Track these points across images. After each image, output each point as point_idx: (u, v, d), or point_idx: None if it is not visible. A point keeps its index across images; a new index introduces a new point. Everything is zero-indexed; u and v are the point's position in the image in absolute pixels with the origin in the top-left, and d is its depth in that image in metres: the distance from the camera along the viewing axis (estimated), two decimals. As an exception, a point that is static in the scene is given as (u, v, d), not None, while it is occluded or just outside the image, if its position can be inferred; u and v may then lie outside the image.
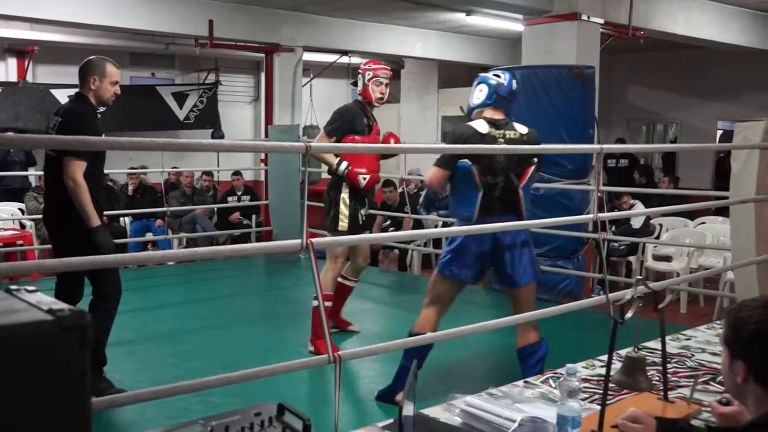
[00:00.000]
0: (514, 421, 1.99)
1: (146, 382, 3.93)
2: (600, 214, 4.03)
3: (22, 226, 8.56)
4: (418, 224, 8.48)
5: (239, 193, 9.87)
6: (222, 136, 11.60)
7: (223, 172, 11.02)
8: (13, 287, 1.60)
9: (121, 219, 8.90)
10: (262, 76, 11.78)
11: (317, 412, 3.32)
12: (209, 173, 10.05)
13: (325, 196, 5.05)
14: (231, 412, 1.81)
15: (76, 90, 4.05)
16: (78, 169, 3.75)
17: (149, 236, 9.12)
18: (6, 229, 8.17)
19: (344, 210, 4.92)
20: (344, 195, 4.92)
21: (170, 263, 7.97)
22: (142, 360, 4.76)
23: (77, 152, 3.75)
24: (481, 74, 4.11)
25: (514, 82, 3.99)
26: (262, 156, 10.72)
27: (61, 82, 10.57)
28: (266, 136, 10.19)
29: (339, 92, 14.09)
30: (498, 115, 3.92)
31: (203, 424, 1.75)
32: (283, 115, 10.64)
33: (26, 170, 9.92)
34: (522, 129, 3.94)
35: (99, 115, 4.11)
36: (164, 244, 8.98)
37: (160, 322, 5.74)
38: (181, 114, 11.61)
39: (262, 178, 10.61)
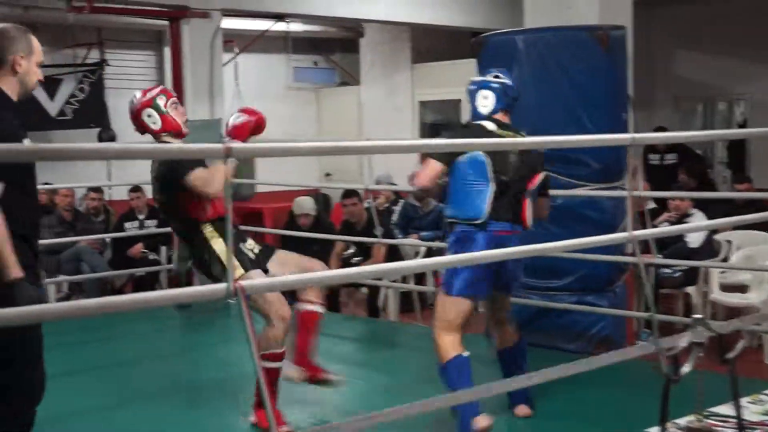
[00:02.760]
0: None
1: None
2: (639, 231, 4.07)
3: None
4: (392, 251, 8.48)
5: (141, 217, 9.82)
6: (113, 138, 11.52)
7: (116, 189, 10.94)
8: None
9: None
10: (167, 51, 11.76)
11: None
12: (97, 190, 9.99)
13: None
14: None
15: None
16: None
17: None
18: None
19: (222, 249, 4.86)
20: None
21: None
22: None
23: None
24: (474, 80, 5.10)
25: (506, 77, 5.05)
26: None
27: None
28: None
29: (276, 73, 14.12)
30: (505, 119, 4.93)
31: None
32: (198, 105, 10.63)
33: None
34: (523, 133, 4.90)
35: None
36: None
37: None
38: (52, 108, 11.49)
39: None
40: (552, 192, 6.57)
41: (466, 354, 4.70)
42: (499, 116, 4.89)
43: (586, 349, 6.44)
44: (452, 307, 4.72)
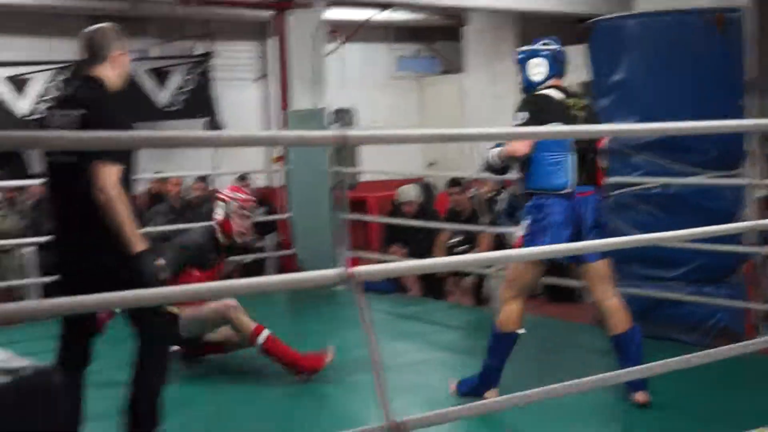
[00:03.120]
0: None
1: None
2: (762, 221, 3.97)
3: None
4: (498, 240, 8.42)
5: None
6: (219, 127, 11.70)
7: (223, 177, 11.12)
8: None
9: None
10: (271, 43, 11.88)
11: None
12: (204, 179, 10.15)
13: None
14: None
15: (85, 73, 4.25)
16: (114, 176, 3.86)
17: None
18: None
19: None
20: None
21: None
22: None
23: (112, 154, 3.84)
24: (522, 49, 5.18)
25: (554, 44, 5.13)
26: (277, 153, 10.80)
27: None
28: (285, 125, 10.25)
29: (380, 62, 14.15)
30: (560, 84, 5.05)
31: None
32: (301, 95, 10.70)
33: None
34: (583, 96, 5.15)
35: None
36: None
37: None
38: (161, 98, 11.71)
39: (278, 183, 10.66)
40: (666, 180, 6.46)
41: (520, 331, 5.01)
42: (552, 83, 5.00)
43: (704, 341, 6.24)
44: (525, 272, 4.99)
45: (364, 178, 11.45)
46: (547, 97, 4.94)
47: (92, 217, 3.90)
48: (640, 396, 4.91)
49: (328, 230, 8.56)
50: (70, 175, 3.99)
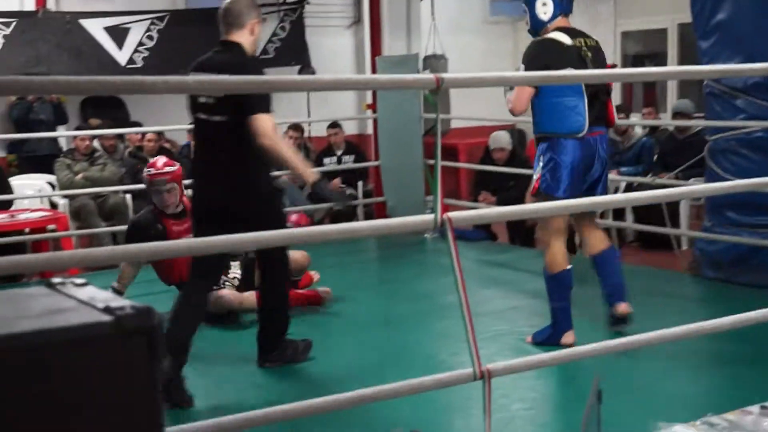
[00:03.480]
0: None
1: (229, 408, 4.03)
2: None
3: (53, 206, 8.98)
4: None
5: (339, 153, 10.02)
6: (313, 74, 11.74)
7: (315, 125, 11.18)
8: (56, 280, 1.68)
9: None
10: (365, -12, 11.84)
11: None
12: (297, 127, 10.23)
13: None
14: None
15: (224, 38, 4.75)
16: (271, 122, 4.50)
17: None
18: (33, 210, 8.54)
19: None
20: None
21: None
22: (220, 378, 4.94)
23: (264, 106, 4.46)
24: None
25: None
26: (368, 101, 10.80)
27: (92, 9, 10.93)
28: (373, 71, 10.23)
29: (471, 7, 13.98)
30: (568, 24, 5.18)
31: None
32: (395, 42, 10.67)
33: (54, 130, 10.27)
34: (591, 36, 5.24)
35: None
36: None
37: (241, 328, 5.89)
38: (257, 47, 11.81)
39: (370, 131, 10.68)
40: (754, 123, 6.35)
41: (569, 267, 5.19)
42: (559, 21, 5.13)
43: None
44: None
45: (455, 124, 11.38)
46: (556, 42, 5.04)
47: (239, 164, 4.60)
48: (621, 307, 5.25)
49: (419, 178, 8.59)
50: (221, 130, 4.58)
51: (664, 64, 12.17)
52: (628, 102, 12.57)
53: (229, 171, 4.67)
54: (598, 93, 5.09)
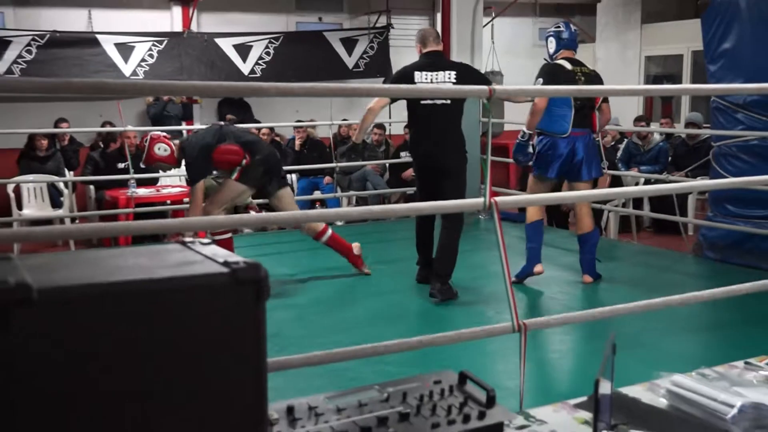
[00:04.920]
0: (732, 406, 1.91)
1: (317, 347, 4.09)
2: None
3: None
4: (615, 181, 8.23)
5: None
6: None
7: (395, 125, 11.19)
8: (187, 239, 1.73)
9: (288, 176, 9.28)
10: (438, 17, 11.78)
11: (499, 384, 3.32)
12: (381, 126, 10.24)
13: None
14: (408, 378, 1.86)
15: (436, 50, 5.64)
16: None
17: (317, 194, 9.46)
18: (173, 186, 8.82)
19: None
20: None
21: (339, 223, 8.24)
22: (311, 325, 5.00)
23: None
24: (547, 30, 6.08)
25: (571, 27, 5.96)
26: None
27: (225, 30, 11.11)
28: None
29: (524, 33, 13.84)
30: (571, 55, 5.81)
31: (379, 389, 1.82)
32: (461, 59, 10.57)
33: (181, 124, 10.49)
34: (588, 66, 5.88)
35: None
36: (333, 202, 9.29)
37: (329, 286, 5.96)
38: (350, 62, 11.85)
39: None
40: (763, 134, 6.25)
41: (541, 218, 5.93)
42: (564, 53, 5.82)
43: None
44: (537, 187, 5.88)
45: (508, 128, 11.27)
46: (558, 65, 5.73)
47: (457, 136, 5.55)
48: (585, 278, 5.82)
49: (476, 170, 8.52)
50: (446, 110, 5.42)
51: (680, 83, 12.00)
52: (649, 113, 12.37)
53: (455, 142, 5.53)
54: (584, 107, 5.66)
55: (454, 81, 5.37)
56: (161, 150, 6.07)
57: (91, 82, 3.02)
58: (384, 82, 11.70)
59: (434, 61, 5.55)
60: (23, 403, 1.27)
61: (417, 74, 5.45)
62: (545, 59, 6.02)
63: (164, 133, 6.33)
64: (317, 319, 5.11)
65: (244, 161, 5.75)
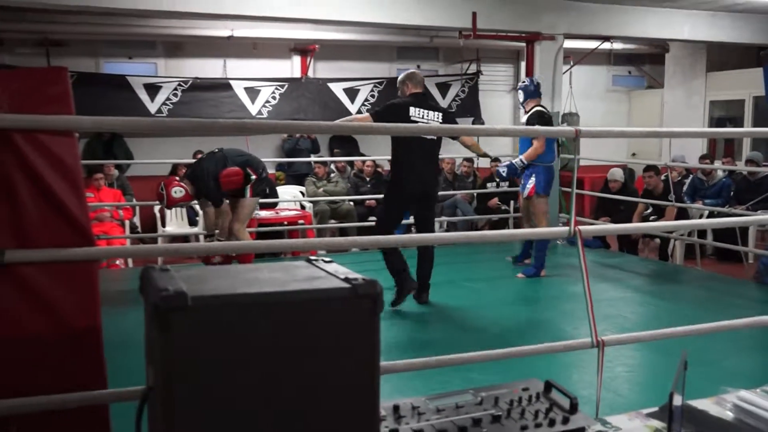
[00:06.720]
0: (796, 422, 1.83)
1: (411, 354, 4.09)
2: None
3: (303, 207, 9.34)
4: (681, 213, 7.97)
5: (498, 179, 9.93)
6: (483, 124, 11.71)
7: (482, 159, 11.13)
8: (312, 257, 1.77)
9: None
10: (522, 65, 11.70)
11: (575, 393, 3.27)
12: (470, 160, 10.23)
13: None
14: (498, 385, 1.85)
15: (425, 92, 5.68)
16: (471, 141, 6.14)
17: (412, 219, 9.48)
18: (290, 209, 9.03)
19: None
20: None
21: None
22: (406, 333, 5.01)
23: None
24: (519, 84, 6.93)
25: (534, 79, 6.88)
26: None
27: (336, 76, 11.35)
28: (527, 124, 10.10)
29: (599, 79, 13.61)
30: (539, 103, 6.63)
31: (473, 394, 1.82)
32: (543, 102, 10.44)
33: (310, 156, 10.69)
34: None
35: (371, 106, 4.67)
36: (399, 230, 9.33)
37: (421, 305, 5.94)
38: (444, 103, 11.87)
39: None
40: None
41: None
42: (531, 102, 6.66)
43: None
44: (541, 204, 6.54)
45: (582, 163, 11.08)
46: (545, 111, 6.58)
47: (437, 165, 5.82)
48: (521, 275, 6.47)
49: (555, 200, 8.40)
50: (434, 145, 5.47)
51: (741, 125, 11.59)
52: (713, 152, 11.95)
53: (437, 171, 5.76)
54: (560, 144, 6.81)
55: (440, 121, 5.42)
56: (178, 193, 6.02)
57: (232, 122, 3.14)
58: (474, 122, 11.77)
59: (422, 100, 5.54)
60: (180, 392, 1.33)
61: (411, 109, 5.41)
62: (521, 105, 6.76)
63: (176, 177, 6.38)
64: (411, 330, 5.12)
65: (253, 177, 5.84)
